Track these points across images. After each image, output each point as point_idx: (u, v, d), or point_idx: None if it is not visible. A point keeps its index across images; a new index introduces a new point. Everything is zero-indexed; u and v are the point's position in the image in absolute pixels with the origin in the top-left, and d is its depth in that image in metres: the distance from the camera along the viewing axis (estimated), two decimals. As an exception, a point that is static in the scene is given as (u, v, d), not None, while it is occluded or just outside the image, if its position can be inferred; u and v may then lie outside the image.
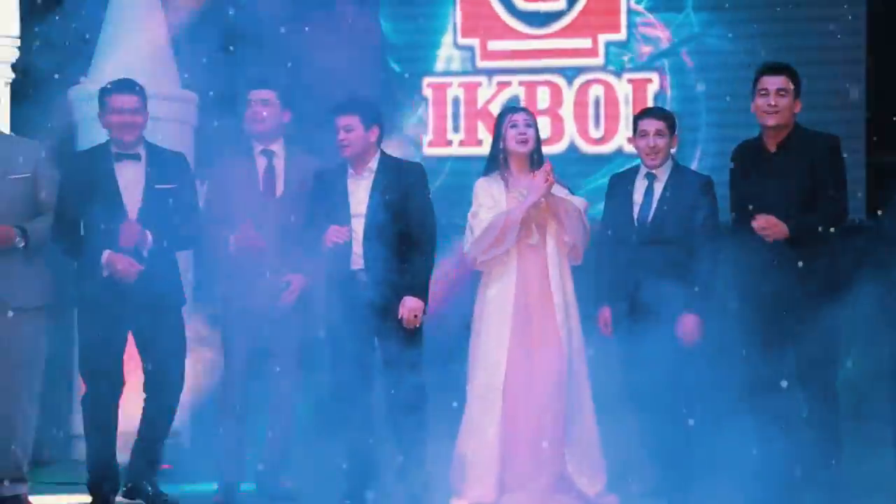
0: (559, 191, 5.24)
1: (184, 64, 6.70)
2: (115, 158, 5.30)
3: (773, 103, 5.10)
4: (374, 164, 5.38)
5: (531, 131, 5.24)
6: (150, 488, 5.45)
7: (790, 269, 5.04)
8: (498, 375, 5.15)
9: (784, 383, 5.08)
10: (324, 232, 5.26)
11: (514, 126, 5.23)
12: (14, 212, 5.26)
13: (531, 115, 5.35)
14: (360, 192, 5.34)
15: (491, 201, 5.23)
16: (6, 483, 5.35)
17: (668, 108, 6.57)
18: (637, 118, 5.52)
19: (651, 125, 5.41)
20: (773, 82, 5.12)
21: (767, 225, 5.03)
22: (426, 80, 7.14)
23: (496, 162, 5.28)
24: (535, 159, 5.27)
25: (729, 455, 5.15)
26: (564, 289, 5.20)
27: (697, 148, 6.94)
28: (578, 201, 5.26)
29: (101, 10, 6.56)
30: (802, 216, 5.08)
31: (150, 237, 5.21)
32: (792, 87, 5.15)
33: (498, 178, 5.26)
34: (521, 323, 5.17)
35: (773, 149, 5.19)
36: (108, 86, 5.35)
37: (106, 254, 5.17)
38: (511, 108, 5.56)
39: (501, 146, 5.25)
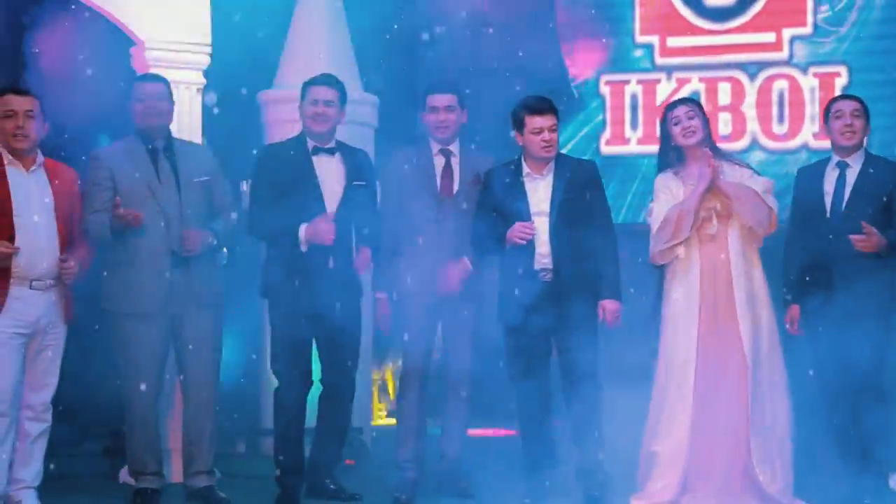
0: (739, 173, 5.13)
1: (364, 66, 6.82)
2: (312, 151, 5.44)
3: None
4: (552, 162, 5.37)
5: (695, 122, 5.18)
6: (331, 484, 5.56)
7: None
8: (687, 375, 5.08)
9: None
10: (505, 229, 5.26)
11: (676, 123, 5.17)
12: (199, 214, 5.46)
13: (693, 105, 5.30)
14: (540, 192, 5.35)
15: (669, 195, 5.19)
16: (198, 475, 5.54)
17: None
18: (831, 102, 5.49)
19: (847, 105, 5.38)
20: None
21: None
22: (604, 78, 7.08)
23: (668, 159, 5.26)
24: (710, 146, 5.17)
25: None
26: (751, 279, 5.08)
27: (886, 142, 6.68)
28: (760, 182, 5.16)
29: (288, 16, 6.74)
30: None
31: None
32: None
33: (673, 174, 5.20)
34: (708, 317, 5.09)
35: None
36: (311, 79, 5.55)
37: (303, 228, 5.32)
38: (671, 104, 5.45)
39: (672, 144, 5.20)
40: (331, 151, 5.51)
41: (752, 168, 5.28)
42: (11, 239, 5.05)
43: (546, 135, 5.30)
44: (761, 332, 5.09)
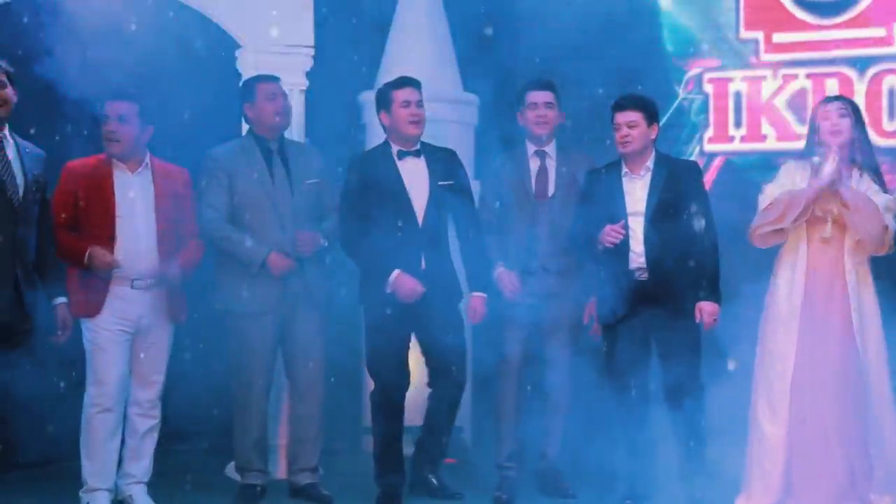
0: (866, 184, 5.05)
1: (464, 65, 6.87)
2: (397, 156, 5.49)
3: None
4: (650, 162, 5.41)
5: (845, 122, 5.13)
6: (434, 481, 5.62)
7: None
8: (786, 372, 5.05)
9: None
10: (599, 230, 5.28)
11: (826, 118, 5.11)
12: (310, 215, 5.56)
13: (847, 104, 5.25)
14: (637, 191, 5.38)
15: (788, 180, 5.14)
16: (302, 472, 5.65)
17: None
18: None
19: None
20: None
21: None
22: (707, 75, 7.02)
23: (810, 151, 5.20)
24: (857, 147, 5.10)
25: None
26: (860, 287, 5.00)
27: None
28: (884, 198, 5.10)
29: (389, 17, 6.81)
30: None
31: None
32: None
33: (807, 164, 5.14)
34: (810, 318, 5.04)
35: None
36: (392, 82, 5.60)
37: (395, 273, 5.36)
38: (826, 98, 5.47)
39: (816, 139, 5.13)
40: (416, 154, 5.57)
41: (882, 182, 5.21)
42: (113, 239, 5.22)
43: (623, 130, 5.33)
44: (868, 344, 5.04)
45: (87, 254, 5.16)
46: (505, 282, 5.62)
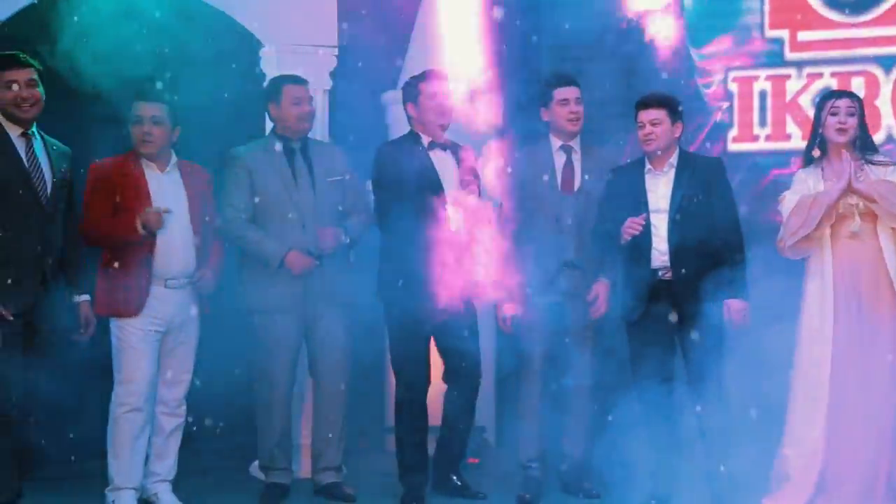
0: (882, 171, 5.04)
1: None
2: (428, 147, 5.52)
3: None
4: (674, 159, 5.43)
5: (852, 119, 5.10)
6: (457, 481, 5.63)
7: None
8: (823, 374, 5.03)
9: None
10: (621, 226, 5.28)
11: (834, 114, 5.08)
12: (333, 213, 5.58)
13: (855, 101, 5.24)
14: (660, 188, 5.38)
15: (804, 187, 5.18)
16: (326, 471, 5.67)
17: None
18: None
19: None
20: None
21: None
22: (731, 74, 6.99)
23: (813, 144, 5.18)
24: (859, 146, 5.08)
25: None
26: None
27: None
28: None
29: (413, 16, 6.82)
30: None
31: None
32: None
33: (817, 170, 5.12)
34: (846, 316, 5.01)
35: None
36: (419, 75, 5.66)
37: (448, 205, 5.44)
38: (834, 93, 5.46)
39: (820, 132, 5.10)
40: (444, 147, 5.60)
41: (891, 163, 5.20)
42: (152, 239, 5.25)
43: (647, 128, 5.33)
44: None
45: (137, 221, 5.15)
46: (500, 314, 5.65)
